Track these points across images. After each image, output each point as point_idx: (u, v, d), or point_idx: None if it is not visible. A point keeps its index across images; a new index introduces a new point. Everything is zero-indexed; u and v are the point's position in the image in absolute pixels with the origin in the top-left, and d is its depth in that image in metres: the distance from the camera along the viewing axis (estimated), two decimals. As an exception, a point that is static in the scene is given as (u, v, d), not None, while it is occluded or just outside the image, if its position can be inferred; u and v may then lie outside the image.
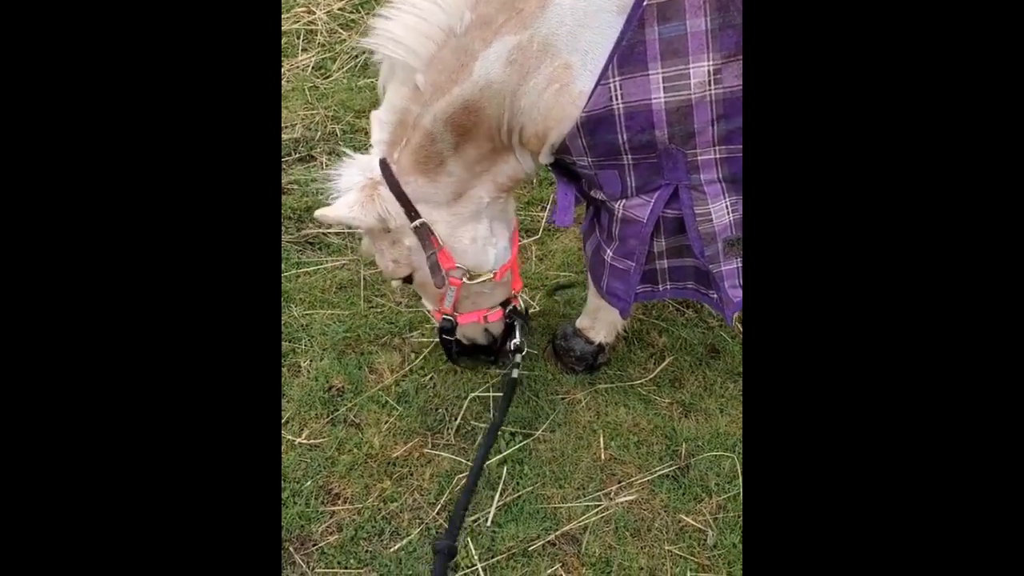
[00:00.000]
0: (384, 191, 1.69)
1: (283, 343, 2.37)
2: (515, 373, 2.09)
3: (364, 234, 1.88)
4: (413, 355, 2.34)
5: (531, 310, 2.32)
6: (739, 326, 2.37)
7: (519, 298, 2.11)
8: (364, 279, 2.58)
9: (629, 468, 2.06)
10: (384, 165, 1.69)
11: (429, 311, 2.09)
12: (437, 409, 2.20)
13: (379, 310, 2.48)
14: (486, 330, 2.10)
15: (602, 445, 2.10)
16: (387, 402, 2.21)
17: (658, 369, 2.26)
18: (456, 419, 2.17)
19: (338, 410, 2.19)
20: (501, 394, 2.20)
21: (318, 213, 1.73)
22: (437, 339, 2.36)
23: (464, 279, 1.86)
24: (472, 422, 2.17)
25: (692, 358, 2.29)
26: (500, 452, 2.08)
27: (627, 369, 2.28)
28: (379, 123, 1.70)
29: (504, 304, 2.06)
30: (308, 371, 2.29)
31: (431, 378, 2.28)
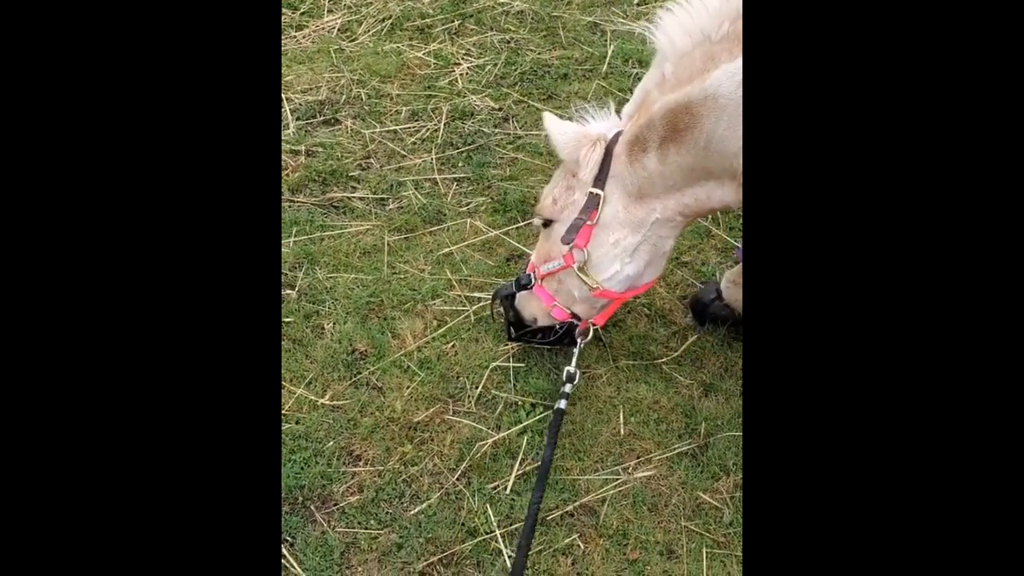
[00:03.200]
0: (599, 150, 1.84)
1: (307, 305, 2.38)
2: (562, 403, 1.99)
3: (562, 161, 1.97)
4: (435, 322, 2.35)
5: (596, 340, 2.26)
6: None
7: (590, 326, 2.09)
8: (388, 245, 2.58)
9: (648, 444, 2.07)
10: (616, 136, 1.84)
11: (531, 259, 2.12)
12: (458, 377, 2.21)
13: (402, 276, 2.49)
14: (537, 317, 2.11)
15: (622, 420, 2.11)
16: (409, 367, 2.22)
17: (681, 348, 2.27)
18: (477, 387, 2.18)
19: (360, 373, 2.21)
20: (524, 367, 2.21)
21: (545, 113, 1.94)
22: (460, 307, 2.37)
23: (575, 265, 1.90)
24: (493, 391, 2.18)
25: (715, 339, 2.30)
26: (521, 422, 2.10)
27: (649, 347, 2.29)
28: (635, 95, 1.84)
29: (574, 316, 2.05)
30: (331, 333, 2.31)
31: (452, 346, 2.29)
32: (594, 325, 2.09)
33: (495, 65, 3.37)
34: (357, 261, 2.53)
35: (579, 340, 2.07)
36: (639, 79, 3.34)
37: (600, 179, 1.83)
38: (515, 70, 3.34)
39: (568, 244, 1.88)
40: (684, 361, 2.25)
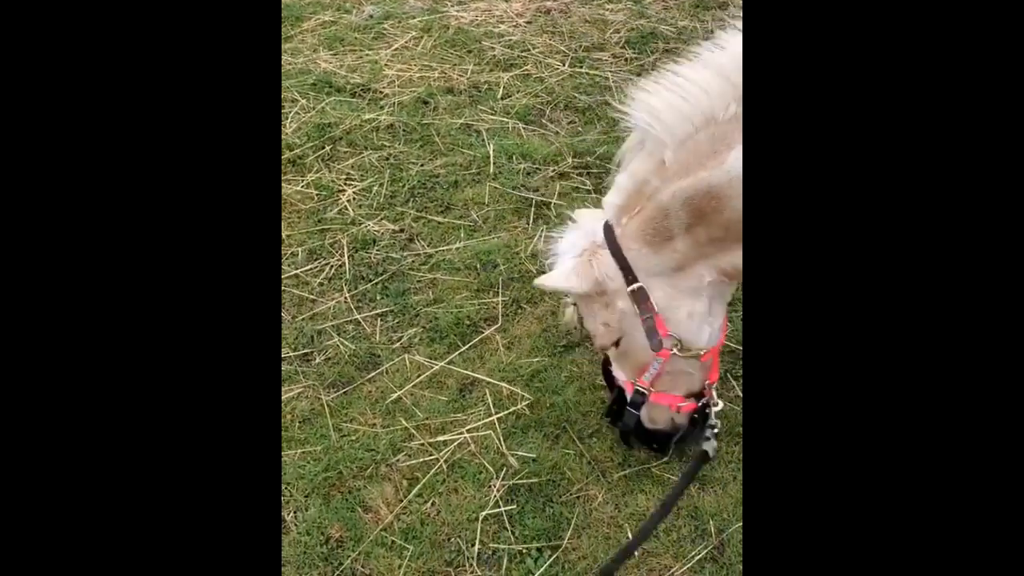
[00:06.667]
0: (604, 255, 1.73)
1: (258, 498, 2.11)
2: (709, 448, 1.86)
3: (576, 299, 1.86)
4: (406, 482, 2.15)
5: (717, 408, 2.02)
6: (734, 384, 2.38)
7: (714, 393, 1.98)
8: (327, 405, 2.36)
9: (665, 559, 1.98)
10: (608, 229, 1.72)
11: (621, 381, 1.99)
12: (449, 539, 2.03)
13: (353, 438, 2.28)
14: (672, 418, 2.01)
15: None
16: (394, 543, 2.01)
17: (669, 448, 2.21)
18: (474, 545, 2.00)
19: (342, 564, 1.97)
20: (516, 509, 2.06)
21: (537, 282, 1.79)
22: (427, 457, 2.19)
23: (675, 350, 1.81)
24: (491, 545, 2.01)
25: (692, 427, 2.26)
26: (531, 573, 1.94)
27: (632, 452, 2.21)
28: (616, 187, 1.71)
29: (698, 397, 1.97)
30: (296, 524, 2.05)
31: (433, 504, 2.10)
32: (712, 384, 2.00)
33: (381, 185, 3.26)
34: (299, 432, 2.29)
35: (712, 414, 1.96)
36: (528, 174, 3.38)
37: (628, 275, 1.74)
38: (403, 187, 3.25)
39: (660, 348, 1.81)
40: (672, 459, 2.20)
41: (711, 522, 2.04)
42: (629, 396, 1.97)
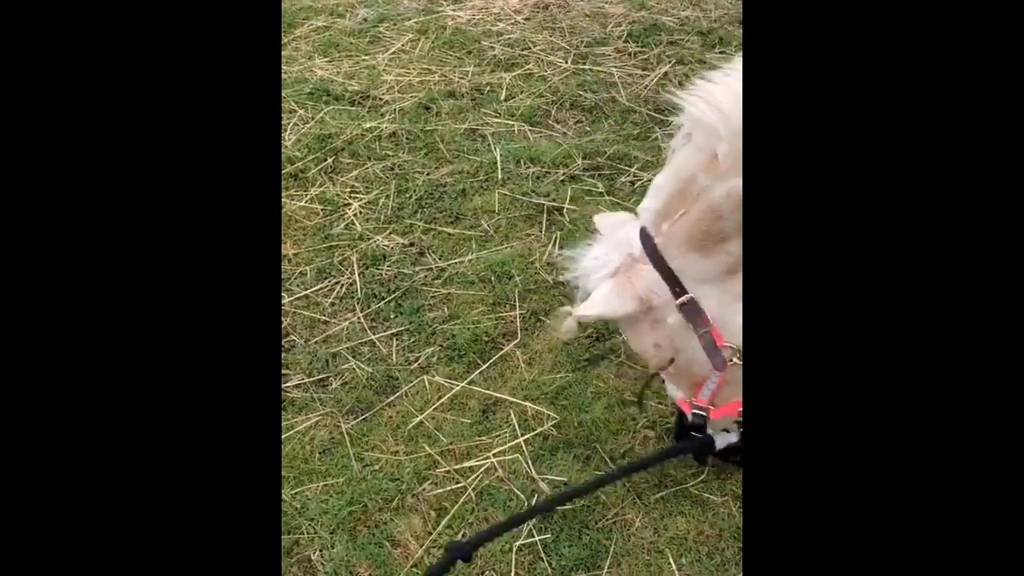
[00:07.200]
0: (644, 269, 1.53)
1: (282, 535, 2.02)
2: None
3: (619, 323, 1.65)
4: (434, 513, 2.07)
5: None
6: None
7: None
8: (347, 433, 2.28)
9: (710, 584, 1.90)
10: (646, 238, 1.53)
11: (675, 399, 1.79)
12: (484, 572, 1.94)
13: (376, 467, 2.19)
14: (737, 423, 1.77)
15: (674, 566, 1.93)
16: (426, 579, 1.93)
17: (707, 466, 2.13)
18: (509, 578, 1.92)
19: (374, 605, 1.89)
20: (550, 537, 1.98)
21: (576, 314, 1.54)
22: (455, 484, 2.11)
23: (734, 360, 1.59)
24: (528, 577, 1.93)
25: (729, 443, 2.18)
26: (572, 606, 1.87)
27: (668, 471, 2.13)
28: (655, 191, 1.54)
29: None
30: (322, 564, 1.96)
31: (463, 536, 2.02)
32: None
33: (388, 197, 3.16)
34: (319, 464, 2.20)
35: None
36: (537, 178, 3.28)
37: (676, 286, 1.54)
38: (410, 197, 3.16)
39: (720, 364, 1.61)
40: (709, 477, 2.12)
41: (755, 543, 1.96)
42: (689, 417, 1.77)
